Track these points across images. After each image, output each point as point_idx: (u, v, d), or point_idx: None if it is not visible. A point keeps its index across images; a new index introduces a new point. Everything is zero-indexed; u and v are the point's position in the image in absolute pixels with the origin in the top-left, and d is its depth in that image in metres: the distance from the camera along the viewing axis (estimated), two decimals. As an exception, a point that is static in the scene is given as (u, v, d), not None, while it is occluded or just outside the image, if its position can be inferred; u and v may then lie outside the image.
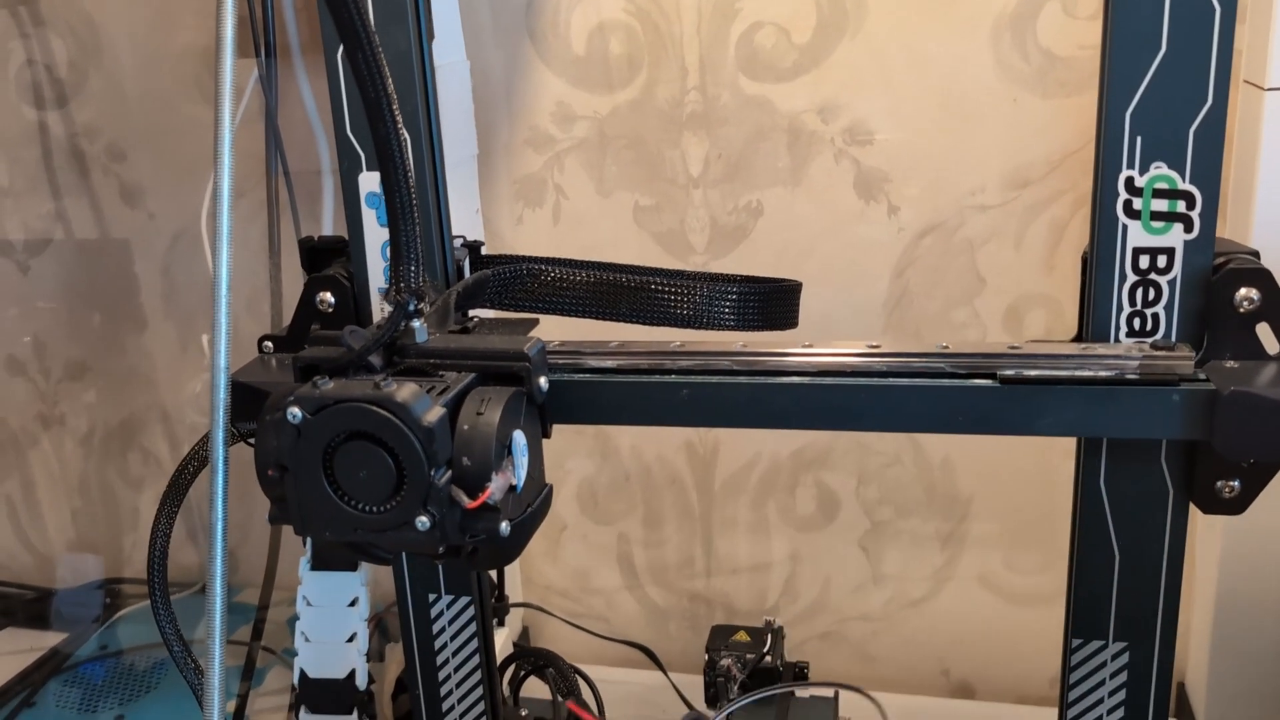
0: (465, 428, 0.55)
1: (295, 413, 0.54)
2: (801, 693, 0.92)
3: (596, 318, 0.68)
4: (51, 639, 1.20)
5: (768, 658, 0.91)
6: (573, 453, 1.14)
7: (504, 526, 0.56)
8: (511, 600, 1.11)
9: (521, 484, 0.57)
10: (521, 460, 0.57)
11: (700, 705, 0.99)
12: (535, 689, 0.98)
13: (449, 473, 0.54)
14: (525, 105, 1.04)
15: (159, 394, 1.23)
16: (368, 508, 0.55)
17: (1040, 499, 1.02)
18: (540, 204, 1.06)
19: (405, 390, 0.53)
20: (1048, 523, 1.03)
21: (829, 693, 0.92)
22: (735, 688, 0.89)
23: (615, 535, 1.15)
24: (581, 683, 0.93)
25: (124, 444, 1.25)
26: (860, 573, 1.09)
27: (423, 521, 0.54)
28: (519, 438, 0.57)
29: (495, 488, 0.55)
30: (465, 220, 1.02)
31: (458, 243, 0.73)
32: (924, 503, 1.05)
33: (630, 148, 1.02)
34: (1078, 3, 0.89)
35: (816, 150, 0.98)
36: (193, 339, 1.20)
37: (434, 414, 0.53)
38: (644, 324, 0.68)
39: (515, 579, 1.16)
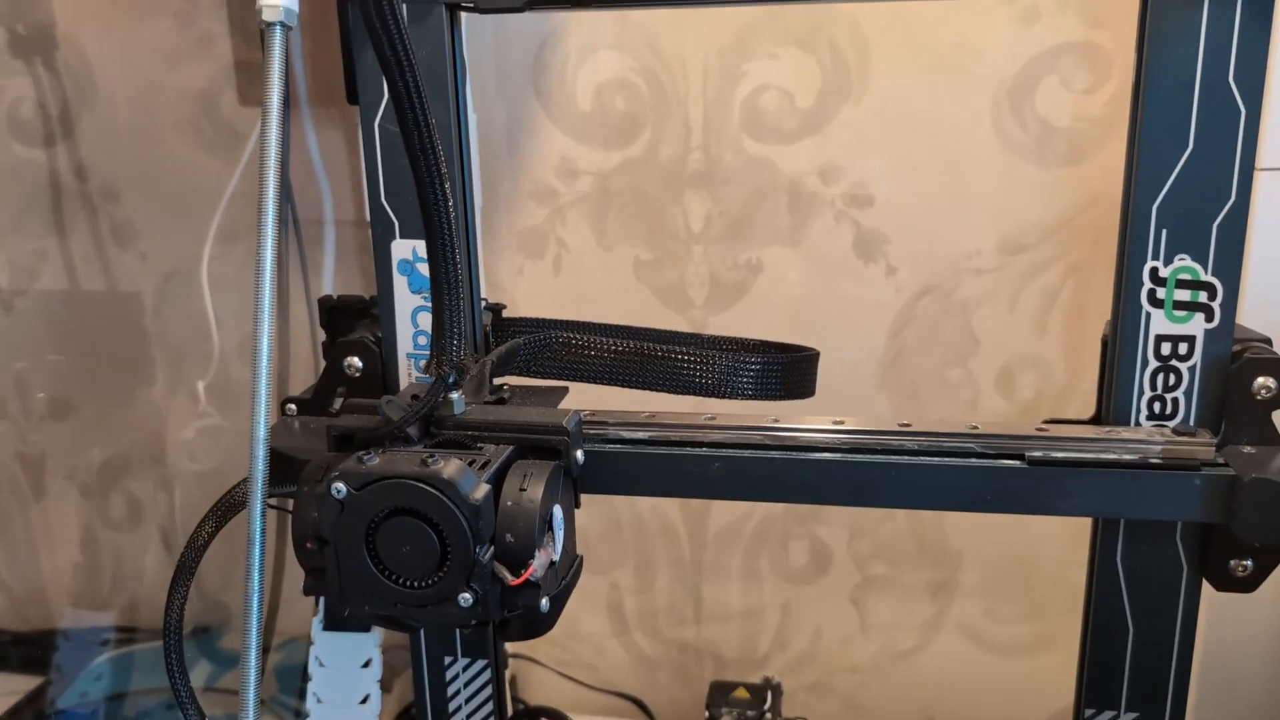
0: (509, 504, 0.55)
1: (340, 488, 0.54)
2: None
3: (623, 385, 0.69)
4: (26, 683, 1.18)
5: (768, 715, 0.92)
6: (565, 501, 1.14)
7: (544, 603, 0.56)
8: (512, 655, 1.11)
9: (559, 558, 0.58)
10: (560, 535, 0.58)
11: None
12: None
13: (492, 549, 0.55)
14: (529, 159, 1.05)
15: (145, 436, 1.21)
16: (410, 583, 0.55)
17: (1024, 554, 1.04)
18: (541, 256, 1.07)
19: (451, 467, 0.54)
20: (1030, 577, 1.05)
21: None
22: (736, 744, 0.90)
23: (607, 584, 1.16)
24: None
25: (107, 486, 1.23)
26: (850, 625, 1.11)
27: (466, 598, 0.54)
28: (558, 512, 0.58)
29: (538, 564, 0.55)
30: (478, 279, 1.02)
31: (482, 304, 0.73)
32: (914, 557, 1.07)
33: (632, 203, 1.04)
34: (1075, 76, 0.91)
35: (817, 211, 1.00)
36: (181, 381, 1.19)
37: (480, 491, 0.54)
38: (668, 392, 0.69)
39: (505, 627, 1.16)
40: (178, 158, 1.12)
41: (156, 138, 1.12)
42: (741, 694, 0.93)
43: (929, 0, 0.93)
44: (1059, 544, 1.03)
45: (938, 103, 0.95)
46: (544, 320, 0.73)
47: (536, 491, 0.56)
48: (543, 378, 0.69)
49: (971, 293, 0.99)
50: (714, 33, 0.98)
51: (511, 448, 0.59)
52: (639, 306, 1.05)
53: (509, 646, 1.16)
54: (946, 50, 0.94)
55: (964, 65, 0.94)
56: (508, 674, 1.16)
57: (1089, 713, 0.66)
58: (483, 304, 0.74)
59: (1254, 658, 0.92)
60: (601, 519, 1.14)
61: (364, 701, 0.75)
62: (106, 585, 1.25)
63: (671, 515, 1.12)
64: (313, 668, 0.75)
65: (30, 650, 1.24)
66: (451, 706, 0.75)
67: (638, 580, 1.15)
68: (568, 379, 0.69)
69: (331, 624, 0.75)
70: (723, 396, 0.70)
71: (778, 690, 0.95)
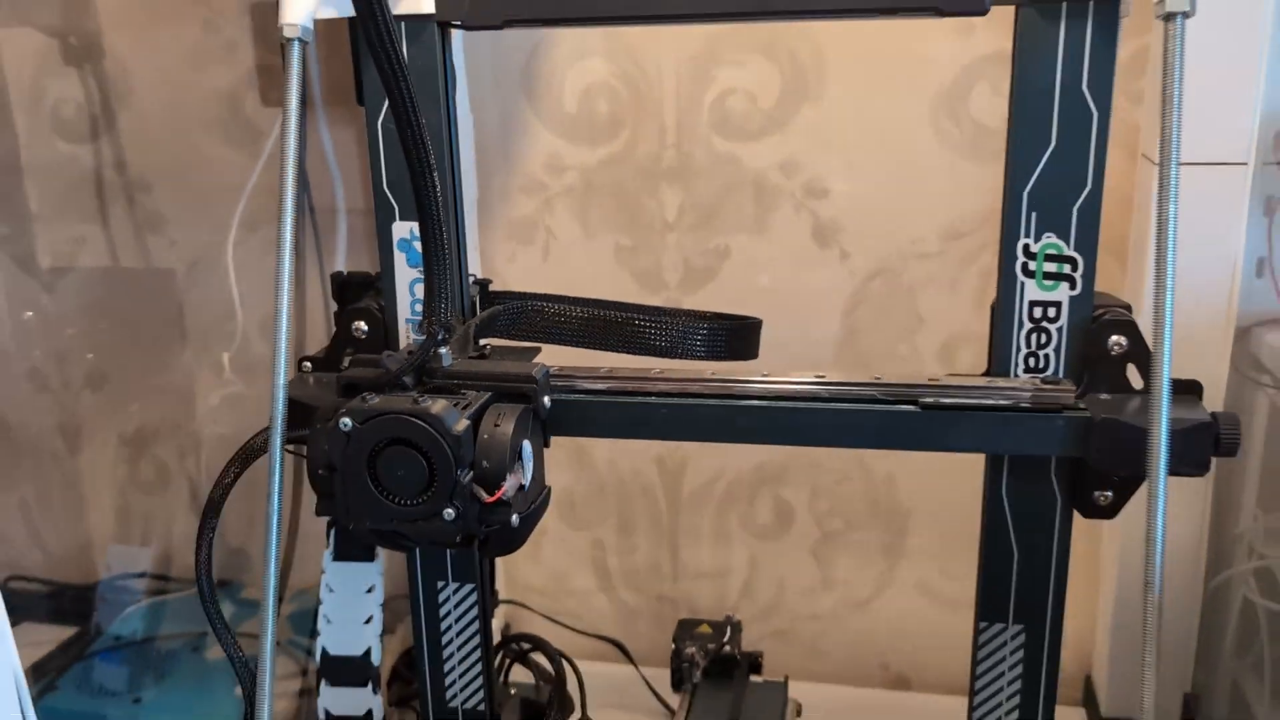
0: (485, 436, 0.67)
1: (347, 422, 0.66)
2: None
3: (589, 347, 0.81)
4: (67, 632, 1.30)
5: (727, 647, 1.03)
6: (554, 465, 1.25)
7: (514, 519, 0.68)
8: (502, 602, 1.22)
9: (528, 484, 0.70)
10: (529, 465, 0.70)
11: (666, 693, 1.11)
12: (521, 675, 1.10)
13: (471, 473, 0.66)
14: (520, 155, 1.17)
15: (174, 405, 1.33)
16: (404, 501, 0.67)
17: (969, 514, 1.15)
18: (531, 243, 1.19)
19: (438, 405, 0.66)
20: (974, 535, 1.16)
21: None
22: (698, 673, 1.02)
23: (590, 541, 1.27)
24: (566, 665, 1.04)
25: (139, 450, 1.36)
26: (811, 577, 1.22)
27: (449, 513, 0.66)
28: (527, 446, 0.70)
29: (509, 486, 0.67)
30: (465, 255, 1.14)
31: (470, 280, 0.85)
32: (869, 516, 1.18)
33: (613, 195, 1.15)
34: (1002, 82, 1.02)
35: (779, 202, 1.12)
36: (208, 355, 1.31)
37: (461, 425, 0.65)
38: (628, 353, 0.81)
39: (499, 578, 1.28)
40: (204, 153, 1.24)
41: (185, 135, 1.25)
42: (705, 629, 1.05)
43: (876, 19, 1.04)
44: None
45: (885, 106, 1.07)
46: (524, 293, 0.84)
47: (508, 427, 0.67)
48: (520, 340, 0.81)
49: (917, 275, 1.11)
50: (685, 42, 1.09)
51: (490, 394, 0.71)
52: (619, 289, 1.17)
53: (506, 594, 1.28)
54: (893, 60, 1.05)
55: (908, 73, 1.05)
56: (502, 617, 1.28)
57: (983, 625, 0.77)
58: (471, 279, 0.85)
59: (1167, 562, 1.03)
60: (586, 481, 1.25)
61: (368, 622, 0.86)
62: (139, 540, 1.38)
63: (650, 477, 1.23)
64: (323, 593, 0.87)
65: (68, 602, 1.36)
66: (444, 625, 0.87)
67: (619, 537, 1.26)
68: (541, 341, 0.80)
69: (340, 555, 0.87)
70: (676, 357, 0.81)
71: (737, 627, 1.06)
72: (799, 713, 1.00)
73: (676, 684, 1.03)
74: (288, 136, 0.68)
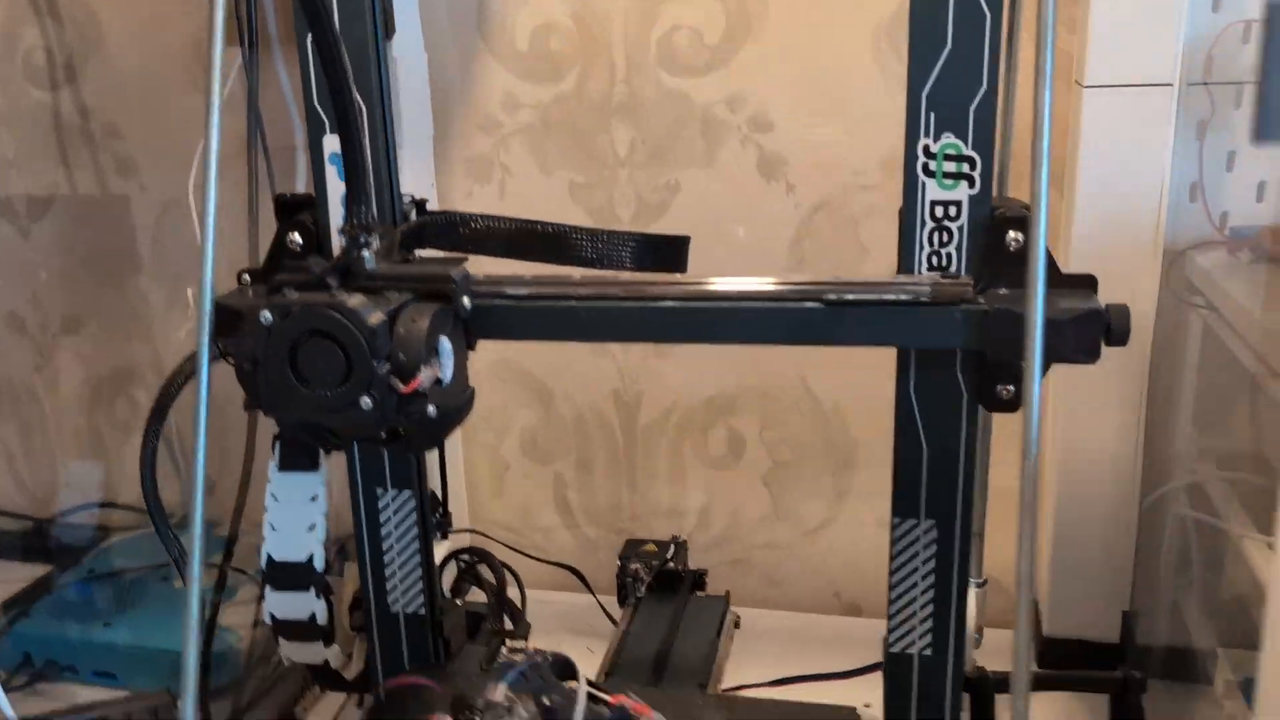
0: (401, 330, 0.70)
1: (267, 315, 0.69)
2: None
3: (518, 258, 0.83)
4: (44, 569, 1.33)
5: (671, 564, 1.06)
6: (515, 403, 1.29)
7: (431, 409, 0.71)
8: (460, 529, 1.25)
9: (447, 380, 0.72)
10: (447, 361, 0.73)
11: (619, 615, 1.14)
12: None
13: (389, 365, 0.69)
14: (477, 94, 1.19)
15: (146, 348, 1.37)
16: (323, 392, 0.70)
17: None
18: (488, 181, 1.21)
19: (355, 299, 0.69)
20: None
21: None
22: (642, 588, 1.05)
23: (552, 475, 1.30)
24: (510, 578, 1.07)
25: (113, 391, 1.39)
26: (764, 506, 1.25)
27: (366, 402, 0.69)
28: (445, 343, 0.72)
29: (424, 378, 0.70)
30: (422, 193, 1.16)
31: (406, 199, 0.88)
32: (818, 445, 1.21)
33: (567, 133, 1.18)
34: (941, 12, 1.04)
35: (725, 137, 1.14)
36: (179, 299, 1.34)
37: (376, 317, 0.68)
38: (558, 264, 0.83)
39: (463, 512, 1.31)
40: (172, 98, 1.27)
41: (154, 80, 1.28)
42: (650, 548, 1.08)
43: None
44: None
45: (827, 39, 1.09)
46: (460, 212, 0.87)
47: (424, 322, 0.70)
48: (451, 250, 0.84)
49: (859, 207, 1.13)
50: (632, -22, 1.12)
51: (411, 294, 0.73)
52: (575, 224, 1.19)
53: (472, 527, 1.31)
54: (833, -7, 1.08)
55: (849, 5, 1.08)
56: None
57: (896, 521, 0.80)
58: (408, 198, 0.88)
59: (1097, 515, 1.05)
60: (544, 415, 1.28)
61: (311, 529, 0.89)
62: (114, 480, 1.41)
63: (607, 412, 1.26)
64: (268, 502, 0.90)
65: (45, 540, 1.41)
66: (384, 532, 0.90)
67: (579, 471, 1.29)
68: (471, 252, 0.83)
69: (285, 465, 0.90)
70: (604, 267, 0.84)
71: (683, 545, 1.09)
72: (737, 624, 1.03)
73: (622, 599, 1.06)
74: (212, 69, 0.70)
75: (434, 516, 1.07)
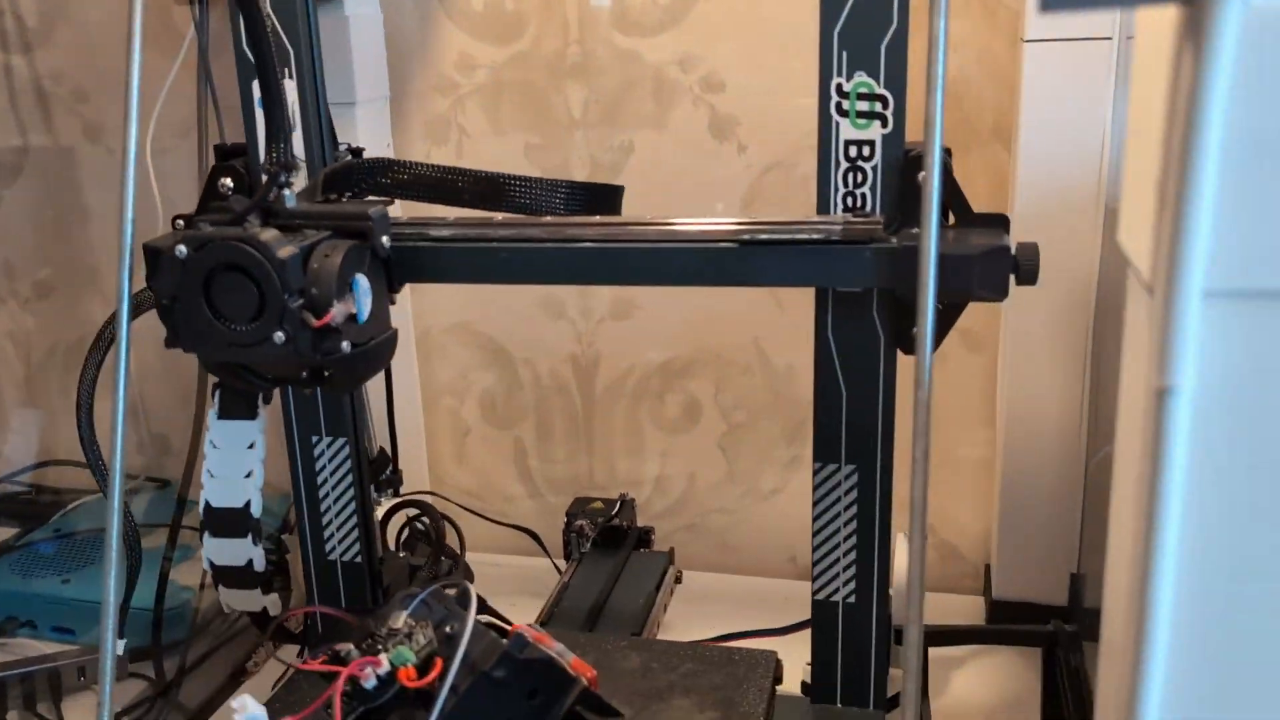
0: (314, 265, 0.71)
1: (182, 249, 0.70)
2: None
3: (448, 204, 0.84)
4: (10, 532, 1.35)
5: (616, 520, 1.06)
6: (475, 366, 1.29)
7: (345, 345, 0.71)
8: (420, 493, 1.26)
9: (364, 317, 0.73)
10: (364, 299, 0.73)
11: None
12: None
13: (301, 300, 0.70)
14: (433, 55, 1.20)
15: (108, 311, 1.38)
16: (237, 327, 0.70)
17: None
18: (445, 142, 1.22)
19: (267, 233, 0.69)
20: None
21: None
22: (587, 544, 1.05)
23: (512, 439, 1.31)
24: (450, 529, 1.08)
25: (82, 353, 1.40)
26: (719, 470, 1.25)
27: (279, 336, 0.69)
28: (362, 280, 0.73)
29: (337, 313, 0.70)
30: (378, 154, 1.17)
31: (343, 148, 0.89)
32: (771, 407, 1.21)
33: (522, 93, 1.18)
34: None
35: (678, 97, 1.14)
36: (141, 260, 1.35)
37: (287, 250, 0.69)
38: (491, 210, 0.84)
39: (424, 477, 1.32)
40: (141, 62, 1.28)
41: (119, 45, 1.28)
42: (597, 505, 1.08)
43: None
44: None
45: (776, -2, 1.09)
46: (387, 158, 0.87)
47: (337, 257, 0.71)
48: (380, 195, 0.84)
49: (810, 167, 1.12)
50: (584, -62, 1.12)
51: (329, 232, 0.74)
52: (529, 186, 1.20)
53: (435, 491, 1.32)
54: (784, -50, 1.08)
55: (799, -36, 1.08)
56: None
57: (817, 465, 0.80)
58: (345, 146, 0.89)
59: (1045, 483, 1.05)
60: (506, 381, 1.29)
61: (248, 476, 0.90)
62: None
63: (565, 375, 1.27)
64: (207, 449, 0.91)
65: (18, 505, 1.42)
66: (319, 479, 0.90)
67: (538, 434, 1.30)
68: (399, 196, 0.84)
69: (224, 413, 0.91)
70: (538, 213, 0.84)
71: (629, 503, 1.09)
72: (679, 579, 1.04)
73: (568, 555, 1.07)
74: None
75: (386, 473, 1.07)
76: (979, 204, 0.75)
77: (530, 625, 0.64)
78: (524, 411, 1.30)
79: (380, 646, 0.63)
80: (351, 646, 0.64)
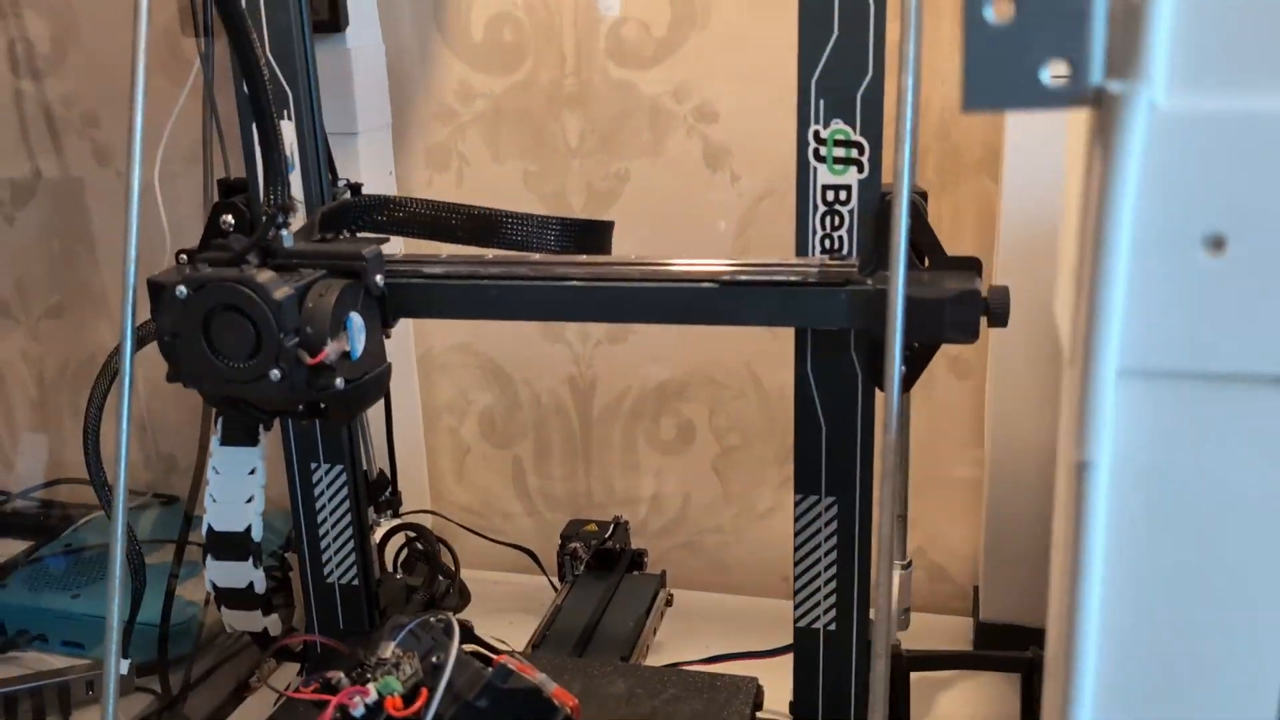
0: (309, 305, 0.73)
1: (182, 289, 0.73)
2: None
3: (443, 241, 0.86)
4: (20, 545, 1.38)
5: (609, 543, 1.09)
6: (475, 386, 1.32)
7: (339, 382, 0.74)
8: (420, 511, 1.29)
9: (358, 354, 0.76)
10: (357, 336, 0.76)
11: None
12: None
13: (296, 339, 0.73)
14: (434, 84, 1.23)
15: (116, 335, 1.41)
16: (235, 364, 0.73)
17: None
18: (446, 169, 1.25)
19: (264, 274, 0.72)
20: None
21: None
22: (580, 566, 1.08)
23: (511, 458, 1.34)
24: (444, 550, 1.10)
25: (91, 374, 1.43)
26: (713, 491, 1.27)
27: (275, 374, 0.72)
28: (355, 318, 0.76)
29: (331, 350, 0.73)
30: (380, 182, 1.20)
31: (341, 183, 0.91)
32: (765, 430, 1.23)
33: (520, 122, 1.21)
34: (877, 5, 1.07)
35: (672, 127, 1.17)
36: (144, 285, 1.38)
37: (283, 291, 0.72)
38: (484, 246, 0.86)
39: (424, 495, 1.35)
40: (149, 88, 1.31)
41: (128, 70, 1.31)
42: (591, 527, 1.11)
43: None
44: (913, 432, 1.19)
45: (768, 29, 1.11)
46: (384, 195, 0.90)
47: (331, 297, 0.74)
48: (376, 232, 0.87)
49: (802, 196, 1.15)
50: (581, -28, 1.15)
51: (324, 271, 0.77)
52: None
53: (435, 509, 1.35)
54: (775, -16, 1.10)
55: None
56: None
57: (799, 497, 0.82)
58: (343, 182, 0.92)
59: (1032, 505, 1.07)
60: (505, 402, 1.31)
61: (249, 501, 0.93)
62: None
63: (563, 397, 1.29)
64: (210, 475, 0.94)
65: (28, 521, 1.46)
66: (318, 505, 0.93)
67: (537, 454, 1.32)
68: (395, 234, 0.86)
69: (226, 440, 0.94)
70: (531, 250, 0.87)
71: (623, 525, 1.12)
72: (669, 602, 1.06)
73: (562, 577, 1.09)
74: (138, 27, 0.74)
75: (385, 495, 1.10)
76: (968, 232, 0.78)
77: (514, 654, 0.67)
78: (523, 431, 1.32)
79: (369, 676, 0.65)
80: (342, 675, 0.67)
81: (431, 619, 0.68)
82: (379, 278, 0.78)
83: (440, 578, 1.07)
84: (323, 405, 0.78)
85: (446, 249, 0.85)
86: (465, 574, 1.16)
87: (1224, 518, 0.37)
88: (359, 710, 0.64)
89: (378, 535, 1.04)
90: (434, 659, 0.66)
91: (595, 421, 1.29)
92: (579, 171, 1.21)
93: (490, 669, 0.66)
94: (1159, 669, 0.39)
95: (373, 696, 0.64)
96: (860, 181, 0.75)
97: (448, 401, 1.34)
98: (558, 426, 1.31)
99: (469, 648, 0.71)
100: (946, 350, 1.16)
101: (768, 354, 1.21)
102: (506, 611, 1.20)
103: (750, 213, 1.17)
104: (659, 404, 1.26)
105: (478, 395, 1.32)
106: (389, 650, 0.67)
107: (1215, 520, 0.37)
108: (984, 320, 0.73)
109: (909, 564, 1.03)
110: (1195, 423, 0.36)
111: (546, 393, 1.30)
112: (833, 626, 0.84)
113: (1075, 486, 0.37)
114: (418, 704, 0.63)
